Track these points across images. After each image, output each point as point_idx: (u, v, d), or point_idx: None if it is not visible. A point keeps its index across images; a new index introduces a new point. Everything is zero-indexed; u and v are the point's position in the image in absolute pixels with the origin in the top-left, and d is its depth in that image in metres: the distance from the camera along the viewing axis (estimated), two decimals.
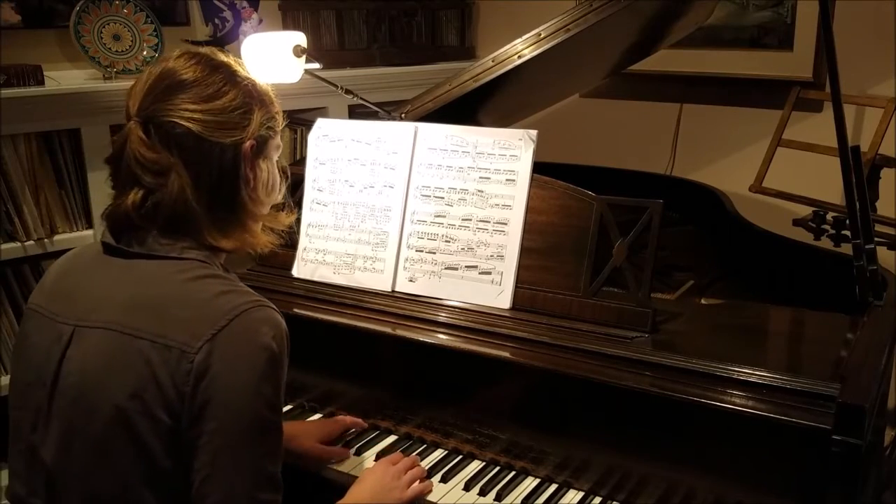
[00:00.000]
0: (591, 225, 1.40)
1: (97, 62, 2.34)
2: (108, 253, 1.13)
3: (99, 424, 1.03)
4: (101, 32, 2.37)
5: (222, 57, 1.16)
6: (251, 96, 1.15)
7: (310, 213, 1.67)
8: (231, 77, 1.14)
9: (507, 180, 1.49)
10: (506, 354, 1.38)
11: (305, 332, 1.60)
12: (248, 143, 1.13)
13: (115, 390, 1.02)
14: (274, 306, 1.09)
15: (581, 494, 1.34)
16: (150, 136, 1.08)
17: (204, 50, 1.16)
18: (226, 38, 2.62)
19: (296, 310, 1.59)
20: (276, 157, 1.22)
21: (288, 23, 2.77)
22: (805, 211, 2.04)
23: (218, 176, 1.11)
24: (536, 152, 1.48)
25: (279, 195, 1.25)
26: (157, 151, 1.08)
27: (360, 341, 1.54)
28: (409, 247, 1.56)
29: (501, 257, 1.47)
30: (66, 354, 1.07)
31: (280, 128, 1.22)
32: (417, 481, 1.35)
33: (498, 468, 1.41)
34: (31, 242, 2.15)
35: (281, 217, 1.25)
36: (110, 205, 1.13)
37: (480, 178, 1.52)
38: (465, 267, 1.50)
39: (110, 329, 1.05)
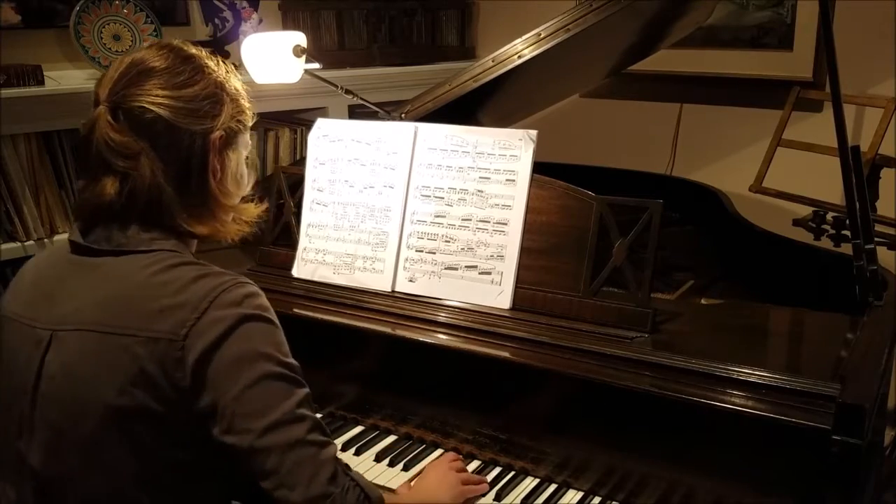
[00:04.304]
0: (591, 225, 1.40)
1: (97, 62, 2.34)
2: (77, 252, 1.12)
3: (89, 426, 1.02)
4: (101, 32, 2.37)
5: (193, 49, 1.17)
6: (222, 88, 1.16)
7: (310, 213, 1.67)
8: (201, 68, 1.15)
9: (507, 180, 1.49)
10: (506, 354, 1.38)
11: (305, 332, 1.60)
12: (217, 133, 1.14)
13: (104, 390, 1.01)
14: (250, 282, 1.10)
15: (581, 494, 1.34)
16: (118, 121, 1.08)
17: (175, 42, 1.17)
18: (226, 38, 2.62)
19: (296, 310, 1.59)
20: (245, 154, 1.22)
21: (288, 23, 2.77)
22: (805, 211, 2.03)
23: (186, 162, 1.11)
24: (536, 152, 1.48)
25: (247, 188, 1.25)
26: (126, 135, 1.08)
27: (360, 341, 1.54)
28: (408, 247, 1.56)
29: (501, 257, 1.47)
30: (46, 359, 1.06)
31: (250, 124, 1.23)
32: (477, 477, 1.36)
33: (498, 468, 1.41)
34: (31, 242, 2.16)
35: (250, 208, 1.25)
36: (80, 196, 1.13)
37: (480, 178, 1.52)
38: (465, 267, 1.50)
39: (89, 330, 1.04)
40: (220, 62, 1.19)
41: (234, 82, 1.20)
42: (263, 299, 1.09)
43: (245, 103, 1.21)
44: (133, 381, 1.00)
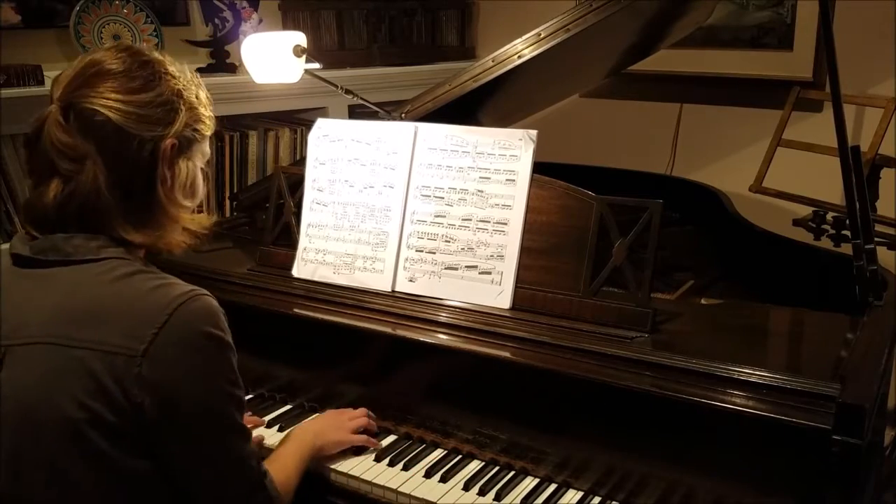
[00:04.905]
0: (591, 225, 1.40)
1: None
2: (18, 265, 1.10)
3: (48, 441, 1.00)
4: (101, 32, 2.37)
5: (156, 55, 1.15)
6: (179, 96, 1.14)
7: (310, 213, 1.67)
8: (160, 74, 1.13)
9: (507, 180, 1.49)
10: (506, 354, 1.38)
11: (305, 332, 1.60)
12: (168, 141, 1.12)
13: (61, 403, 0.99)
14: (207, 292, 1.09)
15: (580, 494, 1.34)
16: (68, 121, 1.07)
17: (137, 46, 1.16)
18: (226, 38, 2.62)
19: (296, 310, 1.59)
20: (200, 164, 1.20)
21: (288, 23, 2.77)
22: (805, 211, 2.04)
23: (132, 169, 1.09)
24: (536, 152, 1.48)
25: (200, 198, 1.22)
26: (74, 137, 1.06)
27: (360, 341, 1.54)
28: (408, 247, 1.56)
29: (501, 257, 1.47)
30: (0, 377, 1.03)
31: (208, 133, 1.21)
32: (365, 436, 1.47)
33: (497, 468, 1.41)
34: None
35: (199, 218, 1.22)
36: (30, 196, 1.11)
37: (480, 178, 1.52)
38: (465, 267, 1.50)
39: (44, 342, 1.02)
40: (185, 70, 1.18)
41: (196, 91, 1.18)
42: (218, 311, 1.08)
43: (205, 112, 1.19)
44: (90, 394, 0.99)
